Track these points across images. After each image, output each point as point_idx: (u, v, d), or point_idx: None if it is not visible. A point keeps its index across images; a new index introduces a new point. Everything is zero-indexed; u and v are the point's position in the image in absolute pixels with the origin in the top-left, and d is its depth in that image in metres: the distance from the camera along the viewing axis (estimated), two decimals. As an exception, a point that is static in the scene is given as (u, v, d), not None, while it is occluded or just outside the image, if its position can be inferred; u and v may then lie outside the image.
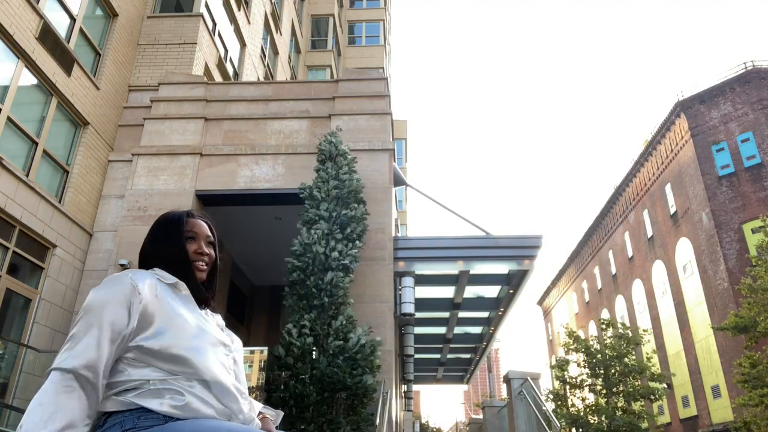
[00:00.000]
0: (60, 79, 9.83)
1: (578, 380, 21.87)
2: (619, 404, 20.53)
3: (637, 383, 20.94)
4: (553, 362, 26.78)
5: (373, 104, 11.44)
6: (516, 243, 11.23)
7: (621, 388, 20.86)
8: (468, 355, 20.63)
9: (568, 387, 22.56)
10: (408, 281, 10.75)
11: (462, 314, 15.09)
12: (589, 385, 21.63)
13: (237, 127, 11.23)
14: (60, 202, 9.91)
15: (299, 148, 10.79)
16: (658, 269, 31.98)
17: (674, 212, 30.03)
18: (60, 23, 10.13)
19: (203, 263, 1.73)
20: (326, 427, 7.44)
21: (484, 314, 15.45)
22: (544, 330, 57.22)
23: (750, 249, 24.19)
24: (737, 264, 24.82)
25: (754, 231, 24.42)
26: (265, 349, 8.48)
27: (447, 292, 13.45)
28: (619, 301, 37.72)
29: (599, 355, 21.25)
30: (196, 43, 12.54)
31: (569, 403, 22.50)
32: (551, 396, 23.40)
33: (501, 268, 11.98)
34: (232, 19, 15.42)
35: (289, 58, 22.57)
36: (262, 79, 17.72)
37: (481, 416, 21.23)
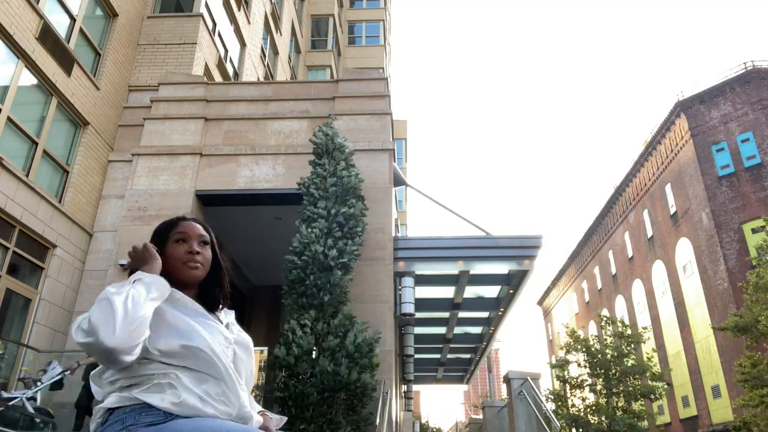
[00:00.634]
0: (60, 79, 9.83)
1: (578, 380, 21.87)
2: (619, 404, 20.53)
3: (637, 383, 20.94)
4: (553, 362, 26.76)
5: (373, 104, 11.44)
6: (516, 243, 11.23)
7: (621, 388, 20.86)
8: (468, 355, 20.64)
9: (568, 387, 22.56)
10: (408, 281, 10.75)
11: (462, 314, 15.09)
12: (590, 385, 21.62)
13: (237, 127, 11.23)
14: (60, 202, 9.91)
15: (299, 148, 10.79)
16: (658, 269, 31.97)
17: (674, 212, 30.03)
18: (60, 23, 10.13)
19: (195, 262, 1.72)
20: (326, 427, 7.44)
21: (484, 314, 15.45)
22: (544, 330, 57.22)
23: (750, 249, 24.19)
24: (737, 264, 24.82)
25: (754, 231, 24.43)
26: (265, 349, 8.49)
27: (447, 292, 13.45)
28: (619, 301, 37.72)
29: (599, 355, 21.25)
30: (196, 43, 12.54)
31: (569, 403, 22.50)
32: (551, 396, 23.40)
33: (501, 268, 11.98)
34: (232, 19, 15.42)
35: (289, 58, 22.58)
36: (262, 79, 17.72)
37: (481, 416, 21.23)
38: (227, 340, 1.68)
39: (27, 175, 9.10)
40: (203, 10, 13.02)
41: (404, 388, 15.25)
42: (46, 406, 7.95)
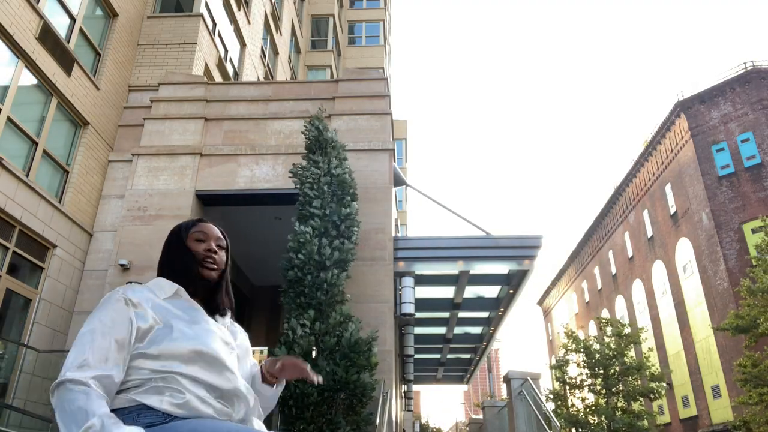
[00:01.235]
0: (60, 79, 9.83)
1: (578, 380, 21.87)
2: (619, 404, 20.52)
3: (636, 383, 20.93)
4: (553, 362, 26.76)
5: (373, 104, 11.44)
6: (516, 243, 11.23)
7: (621, 388, 20.86)
8: (468, 355, 20.64)
9: (567, 387, 22.55)
10: (408, 281, 10.75)
11: (462, 314, 15.09)
12: (589, 385, 21.62)
13: (237, 127, 11.23)
14: (60, 202, 9.91)
15: (299, 148, 10.77)
16: (658, 269, 31.98)
17: (674, 212, 30.04)
18: (60, 23, 10.13)
19: (212, 261, 1.74)
20: (326, 427, 7.43)
21: (484, 314, 15.45)
22: (544, 330, 57.23)
23: (750, 249, 24.19)
24: (737, 264, 24.82)
25: (754, 231, 24.42)
26: (265, 349, 8.48)
27: (447, 292, 13.45)
28: (619, 301, 37.72)
29: (598, 355, 21.24)
30: (196, 43, 12.55)
31: (569, 403, 22.50)
32: (551, 396, 23.40)
33: (501, 268, 11.98)
34: (232, 19, 15.42)
35: (289, 58, 22.58)
36: (262, 79, 17.72)
37: (481, 416, 21.24)
38: (229, 345, 1.70)
39: (27, 175, 9.11)
40: (203, 10, 13.02)
41: (404, 388, 15.25)
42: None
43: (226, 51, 14.99)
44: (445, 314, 15.07)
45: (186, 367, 1.54)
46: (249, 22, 16.67)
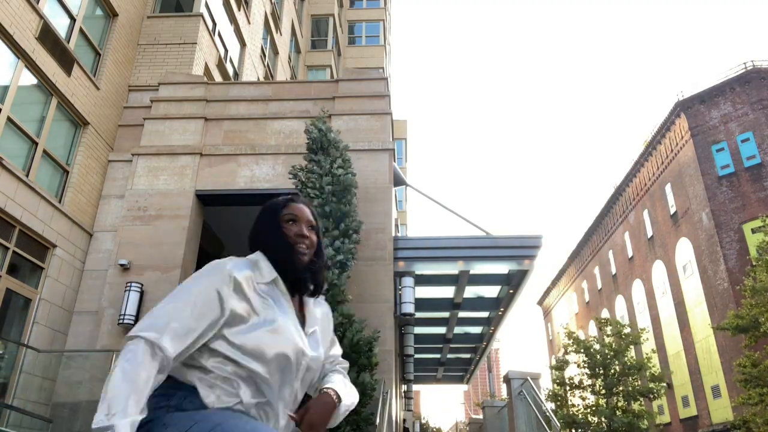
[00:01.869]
0: (60, 79, 9.83)
1: (578, 381, 21.85)
2: (619, 404, 20.52)
3: (636, 383, 20.92)
4: (553, 362, 26.77)
5: (373, 104, 11.44)
6: (516, 243, 11.23)
7: (620, 388, 20.85)
8: (468, 355, 20.64)
9: (567, 387, 22.55)
10: (408, 281, 10.75)
11: (462, 314, 15.09)
12: (589, 386, 21.62)
13: (237, 127, 11.23)
14: (60, 202, 9.91)
15: (299, 148, 10.77)
16: (658, 269, 31.97)
17: (674, 212, 30.04)
18: (60, 23, 10.13)
19: (304, 246, 1.69)
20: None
21: (484, 314, 15.45)
22: (544, 330, 57.23)
23: (750, 249, 24.19)
24: (737, 264, 24.82)
25: (754, 231, 24.41)
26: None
27: (447, 292, 13.45)
28: (619, 301, 37.72)
29: (598, 356, 21.23)
30: (196, 43, 12.54)
31: (569, 403, 22.49)
32: (551, 396, 23.40)
33: (501, 268, 11.97)
34: (232, 19, 15.42)
35: (289, 58, 22.57)
36: (262, 79, 17.72)
37: (481, 416, 21.25)
38: (304, 358, 1.61)
39: (27, 175, 9.10)
40: (203, 10, 13.02)
41: (404, 388, 15.25)
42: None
43: (226, 51, 14.99)
44: (445, 314, 15.06)
45: (262, 367, 1.49)
46: (249, 22, 16.67)
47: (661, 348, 30.91)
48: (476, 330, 17.29)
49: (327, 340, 1.78)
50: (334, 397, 1.61)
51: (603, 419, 19.89)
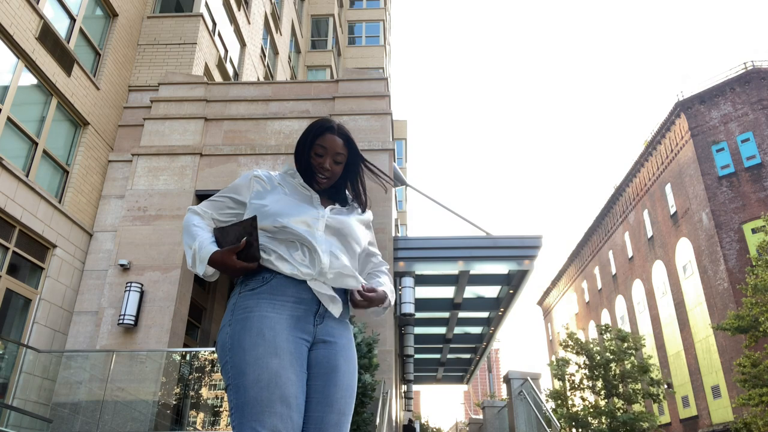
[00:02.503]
0: (60, 79, 9.83)
1: (578, 381, 21.81)
2: (619, 405, 20.49)
3: (637, 386, 20.89)
4: (553, 362, 26.76)
5: (373, 104, 11.44)
6: (516, 243, 11.24)
7: (621, 390, 20.83)
8: (468, 355, 20.64)
9: (567, 387, 22.52)
10: (408, 281, 10.76)
11: (462, 314, 15.09)
12: (589, 387, 21.59)
13: (237, 127, 11.23)
14: (60, 202, 9.90)
15: (299, 148, 10.78)
16: (658, 269, 31.98)
17: (674, 212, 30.04)
18: (60, 23, 10.13)
19: (324, 177, 1.95)
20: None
21: (484, 314, 15.45)
22: (544, 330, 57.23)
23: (750, 249, 24.20)
24: (737, 264, 24.82)
25: (754, 231, 24.43)
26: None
27: (447, 292, 13.46)
28: (619, 301, 37.72)
29: (598, 357, 21.20)
30: (196, 43, 12.54)
31: (569, 403, 22.47)
32: (552, 394, 23.37)
33: (501, 268, 11.98)
34: (232, 19, 15.42)
35: (289, 58, 22.57)
36: (262, 79, 17.72)
37: (481, 416, 21.25)
38: (315, 216, 1.88)
39: (27, 175, 9.10)
40: (203, 10, 13.01)
41: (404, 388, 15.25)
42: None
43: (226, 51, 14.99)
44: (445, 314, 15.07)
45: (277, 225, 1.83)
46: (249, 22, 16.67)
47: (661, 348, 30.92)
48: (476, 330, 17.30)
49: (362, 228, 2.01)
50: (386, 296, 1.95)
51: (603, 419, 19.87)
